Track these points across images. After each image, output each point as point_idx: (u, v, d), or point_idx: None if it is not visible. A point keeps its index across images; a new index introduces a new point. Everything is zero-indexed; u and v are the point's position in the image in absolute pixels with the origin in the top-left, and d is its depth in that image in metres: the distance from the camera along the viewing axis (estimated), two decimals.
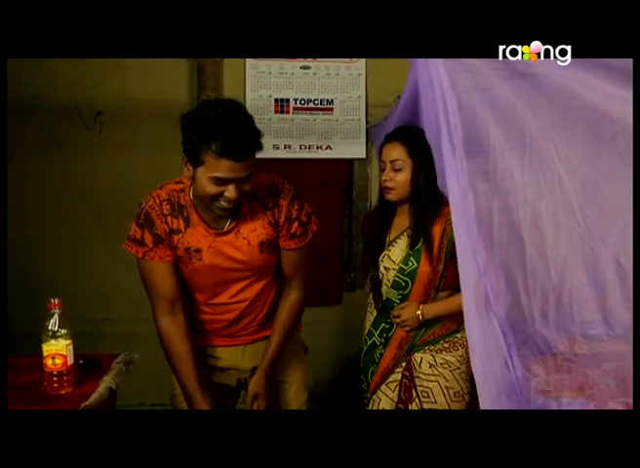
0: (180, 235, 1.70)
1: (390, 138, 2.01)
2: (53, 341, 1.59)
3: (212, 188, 1.56)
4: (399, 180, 1.96)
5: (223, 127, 1.49)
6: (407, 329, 2.03)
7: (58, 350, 1.60)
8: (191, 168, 1.57)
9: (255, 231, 1.74)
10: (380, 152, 2.05)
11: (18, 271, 2.77)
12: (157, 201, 1.70)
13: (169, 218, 1.69)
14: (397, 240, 2.04)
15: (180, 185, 1.71)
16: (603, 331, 1.59)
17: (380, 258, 2.06)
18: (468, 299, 1.39)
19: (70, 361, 1.63)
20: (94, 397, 1.60)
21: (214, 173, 1.53)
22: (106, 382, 1.68)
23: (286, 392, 1.97)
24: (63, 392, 1.61)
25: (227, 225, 1.72)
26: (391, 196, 1.99)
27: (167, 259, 1.71)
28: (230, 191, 1.56)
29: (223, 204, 1.59)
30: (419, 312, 1.99)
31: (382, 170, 2.01)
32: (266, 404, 1.83)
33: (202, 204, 1.66)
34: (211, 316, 1.84)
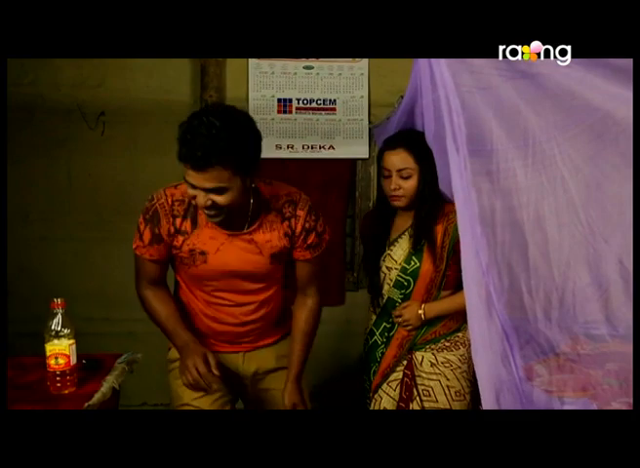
0: (187, 236, 1.70)
1: (393, 145, 1.97)
2: (56, 341, 1.60)
3: (189, 191, 1.57)
4: (408, 187, 1.94)
5: (191, 135, 1.47)
6: (409, 328, 2.02)
7: (61, 350, 1.60)
8: None
9: (270, 242, 1.73)
10: (381, 158, 2.01)
11: (20, 270, 2.78)
12: (169, 200, 1.69)
13: (177, 220, 1.69)
14: (399, 239, 2.04)
15: None
16: (606, 331, 1.59)
17: (382, 258, 2.06)
18: (471, 298, 1.39)
19: (73, 361, 1.63)
20: (97, 397, 1.60)
21: (186, 176, 1.54)
22: (109, 382, 1.68)
23: (277, 400, 1.86)
24: (66, 392, 1.62)
25: (245, 228, 1.71)
26: (400, 203, 1.97)
27: (155, 258, 1.73)
28: (198, 199, 1.55)
29: (204, 209, 1.59)
30: (420, 311, 1.99)
31: (386, 177, 1.97)
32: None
33: None
34: (211, 320, 1.81)
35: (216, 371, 1.64)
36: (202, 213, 1.66)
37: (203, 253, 1.70)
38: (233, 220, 1.67)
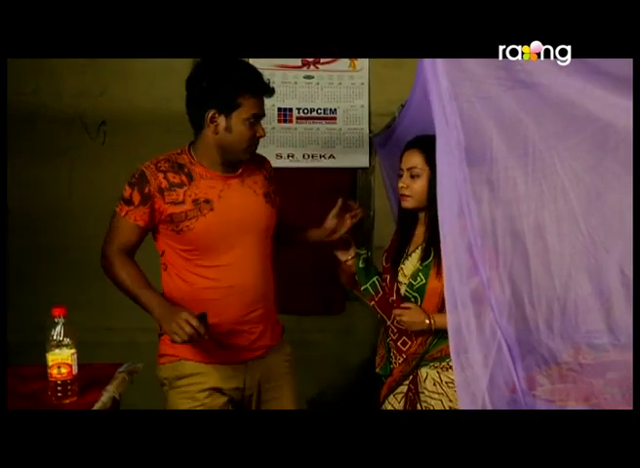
0: (186, 188, 1.72)
1: (410, 146, 2.00)
2: (57, 351, 1.60)
3: (248, 131, 1.70)
4: (415, 188, 1.95)
5: (254, 71, 1.71)
6: (405, 326, 1.93)
7: (63, 359, 1.60)
8: (222, 119, 1.68)
9: (257, 183, 1.84)
10: (400, 160, 2.03)
11: (21, 279, 2.77)
12: (154, 161, 1.76)
13: (169, 174, 1.73)
14: (412, 253, 2.00)
15: (178, 150, 1.79)
16: (607, 340, 1.59)
17: (398, 269, 2.03)
18: (454, 321, 1.37)
19: (75, 370, 1.63)
20: (97, 406, 1.60)
21: (252, 111, 1.68)
22: (110, 392, 1.68)
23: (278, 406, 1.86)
24: (68, 401, 1.61)
25: (237, 172, 1.80)
26: (407, 204, 1.98)
27: (140, 223, 1.73)
28: (260, 130, 1.73)
29: (253, 147, 1.76)
30: (427, 321, 1.90)
31: (399, 176, 2.01)
32: None
33: (225, 154, 1.74)
34: (213, 289, 1.75)
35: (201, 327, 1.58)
36: (195, 166, 1.74)
37: (207, 200, 1.73)
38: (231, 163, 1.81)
